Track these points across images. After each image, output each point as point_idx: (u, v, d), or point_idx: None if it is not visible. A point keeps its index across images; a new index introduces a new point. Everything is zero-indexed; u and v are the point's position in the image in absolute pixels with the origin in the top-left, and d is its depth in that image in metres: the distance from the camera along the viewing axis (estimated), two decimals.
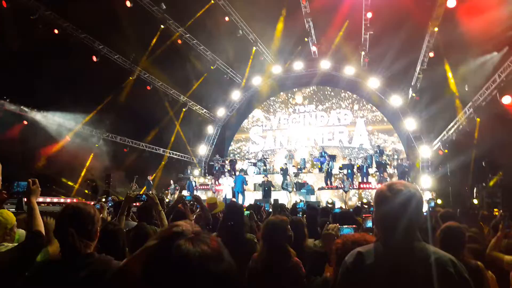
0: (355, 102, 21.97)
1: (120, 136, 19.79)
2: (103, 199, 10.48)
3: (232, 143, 24.98)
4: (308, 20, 17.07)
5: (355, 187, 16.58)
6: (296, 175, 18.48)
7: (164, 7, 17.12)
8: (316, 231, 4.29)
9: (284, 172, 17.88)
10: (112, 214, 5.22)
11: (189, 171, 21.28)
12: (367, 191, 16.21)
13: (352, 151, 21.36)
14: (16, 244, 2.28)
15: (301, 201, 12.83)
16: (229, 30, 18.16)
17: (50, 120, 16.76)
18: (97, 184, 15.65)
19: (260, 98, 24.10)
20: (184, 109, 22.09)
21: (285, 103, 23.85)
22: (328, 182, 17.27)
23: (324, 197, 16.31)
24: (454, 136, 16.31)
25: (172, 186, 18.90)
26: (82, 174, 17.24)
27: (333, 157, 18.44)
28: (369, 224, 3.48)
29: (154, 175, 19.42)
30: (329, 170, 17.41)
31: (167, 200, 14.65)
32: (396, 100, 19.06)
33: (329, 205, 10.69)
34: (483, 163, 14.60)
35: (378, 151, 18.05)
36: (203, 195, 17.26)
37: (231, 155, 24.32)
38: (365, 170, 17.30)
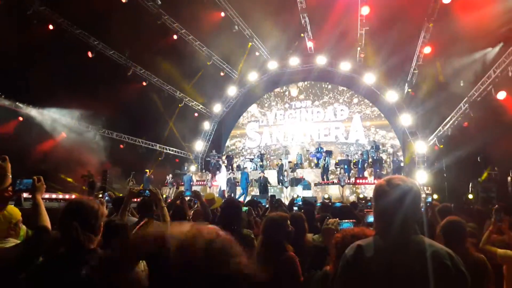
0: (351, 98, 22.01)
1: (116, 132, 19.74)
2: (100, 195, 10.47)
3: (228, 139, 24.98)
4: (304, 15, 17.05)
5: (351, 182, 16.65)
6: (293, 170, 18.53)
7: (160, 2, 17.02)
8: (314, 225, 4.33)
9: (280, 167, 17.93)
10: (109, 210, 5.20)
11: (185, 167, 21.26)
12: (363, 186, 16.29)
13: (349, 147, 21.41)
14: (20, 240, 2.30)
15: (298, 196, 12.88)
16: (225, 25, 18.09)
17: (46, 116, 16.67)
18: (93, 180, 15.60)
19: (256, 94, 24.09)
20: (180, 105, 22.04)
21: (280, 97, 23.87)
22: (325, 178, 17.32)
23: (321, 193, 16.37)
24: (449, 132, 16.41)
25: (170, 182, 18.91)
26: (78, 170, 17.17)
27: (329, 153, 18.49)
28: (370, 219, 3.51)
29: (152, 170, 19.38)
30: (326, 165, 17.47)
31: (164, 195, 14.65)
32: (392, 96, 19.12)
33: (326, 200, 10.75)
34: (479, 158, 14.69)
35: (374, 147, 18.13)
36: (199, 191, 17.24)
37: (228, 152, 24.32)
38: (360, 166, 17.38)
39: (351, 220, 2.97)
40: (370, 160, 18.09)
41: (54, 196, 11.25)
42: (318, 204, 7.65)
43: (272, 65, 21.93)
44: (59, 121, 17.11)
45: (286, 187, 16.86)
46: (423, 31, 15.57)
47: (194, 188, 18.22)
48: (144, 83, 19.97)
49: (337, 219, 2.86)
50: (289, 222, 3.03)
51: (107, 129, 19.22)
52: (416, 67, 17.11)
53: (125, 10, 15.55)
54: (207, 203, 4.95)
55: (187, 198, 6.29)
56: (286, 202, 9.67)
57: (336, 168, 17.99)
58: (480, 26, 12.65)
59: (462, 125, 15.63)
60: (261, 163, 19.76)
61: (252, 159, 20.48)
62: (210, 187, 18.37)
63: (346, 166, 16.97)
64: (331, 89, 22.59)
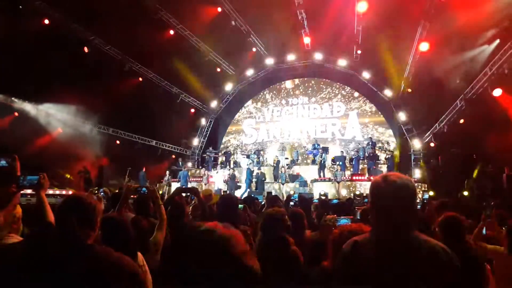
0: (348, 94, 22.05)
1: (112, 128, 19.68)
2: (95, 191, 10.42)
3: (225, 135, 24.98)
4: (301, 11, 17.01)
5: (347, 178, 16.70)
6: (289, 167, 18.57)
7: None
8: (310, 222, 4.35)
9: (276, 164, 17.95)
10: (105, 206, 5.18)
11: (180, 163, 21.23)
12: (358, 183, 16.34)
13: (346, 144, 21.46)
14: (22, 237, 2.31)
15: (294, 193, 12.93)
16: (221, 21, 18.01)
17: (41, 111, 16.60)
18: (90, 176, 15.57)
19: (253, 90, 24.08)
20: (176, 101, 21.99)
21: (277, 93, 23.87)
22: (321, 174, 17.36)
23: (317, 189, 16.41)
24: (445, 128, 16.48)
25: (166, 178, 18.89)
26: (74, 165, 17.12)
27: (326, 149, 18.53)
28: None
29: (150, 168, 19.37)
30: (322, 162, 17.51)
31: (160, 192, 14.64)
32: (388, 92, 19.17)
33: (322, 197, 10.79)
34: (474, 155, 14.79)
35: (370, 143, 18.18)
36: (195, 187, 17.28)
37: (225, 147, 24.33)
38: (355, 162, 17.45)
39: (348, 217, 2.99)
40: (367, 155, 18.14)
41: (51, 192, 11.20)
42: (315, 201, 7.68)
43: (269, 61, 21.92)
44: (54, 116, 17.03)
45: (283, 184, 16.89)
46: (419, 28, 15.59)
47: (190, 184, 18.26)
48: (140, 79, 19.91)
49: (335, 215, 2.88)
50: (286, 217, 3.04)
51: (103, 125, 19.14)
52: (413, 64, 17.13)
53: (121, 5, 15.43)
54: (204, 199, 4.95)
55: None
56: (283, 199, 9.70)
57: (332, 164, 18.03)
58: (476, 23, 12.69)
59: (458, 122, 15.70)
60: (257, 159, 19.79)
61: (249, 155, 20.50)
62: (205, 184, 18.38)
63: (341, 163, 17.01)
64: (327, 85, 22.61)
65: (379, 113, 21.11)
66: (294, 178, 17.53)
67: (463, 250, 2.83)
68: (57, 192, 11.26)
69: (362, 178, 16.44)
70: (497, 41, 13.44)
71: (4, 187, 2.32)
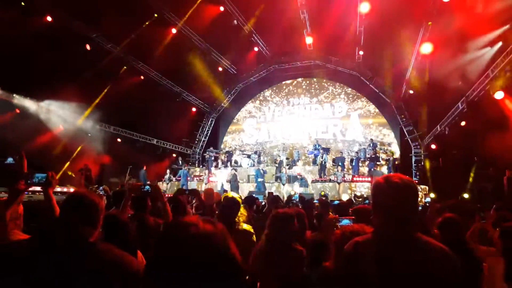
0: (349, 95, 22.04)
1: (113, 126, 19.69)
2: (95, 189, 10.44)
3: (226, 134, 24.99)
4: (303, 11, 17.00)
5: (347, 180, 16.70)
6: (290, 167, 18.55)
7: None
8: (311, 223, 4.35)
9: (278, 164, 17.93)
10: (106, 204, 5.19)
11: (180, 162, 21.24)
12: (359, 184, 16.32)
13: (349, 145, 21.44)
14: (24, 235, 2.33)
15: (295, 193, 12.92)
16: (223, 20, 18.01)
17: (43, 108, 16.60)
18: (91, 174, 15.56)
19: (255, 89, 24.09)
20: (178, 100, 21.99)
21: (279, 93, 23.85)
22: (322, 175, 17.35)
23: (317, 190, 16.41)
24: (447, 131, 16.46)
25: (167, 177, 18.91)
26: (75, 163, 17.13)
27: (326, 150, 18.52)
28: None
29: (150, 166, 19.37)
30: (323, 162, 17.50)
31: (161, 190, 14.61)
32: (390, 94, 19.15)
33: (323, 198, 10.79)
34: (475, 157, 14.77)
35: (371, 145, 18.16)
36: (194, 186, 17.32)
37: (225, 147, 24.33)
38: (355, 163, 17.43)
39: (350, 217, 2.99)
40: (367, 156, 18.14)
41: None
42: (316, 201, 7.68)
43: (271, 61, 21.92)
44: (56, 113, 17.03)
45: (284, 184, 16.88)
46: (422, 29, 15.56)
47: (190, 183, 18.30)
48: (142, 77, 19.91)
49: (337, 216, 2.88)
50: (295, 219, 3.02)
51: (105, 123, 19.15)
52: (415, 66, 17.11)
53: (124, 3, 15.43)
54: (206, 198, 4.96)
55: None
56: (283, 199, 9.71)
57: (333, 165, 18.02)
58: (479, 25, 12.68)
59: (459, 124, 15.68)
60: (258, 159, 19.77)
61: (249, 155, 20.49)
62: (206, 184, 18.38)
63: (341, 164, 17.01)
64: (329, 86, 22.60)
65: (381, 114, 21.09)
66: (294, 178, 17.52)
67: (463, 251, 2.83)
68: (58, 189, 11.26)
69: (363, 179, 16.43)
70: (500, 43, 13.42)
71: (13, 184, 2.34)
